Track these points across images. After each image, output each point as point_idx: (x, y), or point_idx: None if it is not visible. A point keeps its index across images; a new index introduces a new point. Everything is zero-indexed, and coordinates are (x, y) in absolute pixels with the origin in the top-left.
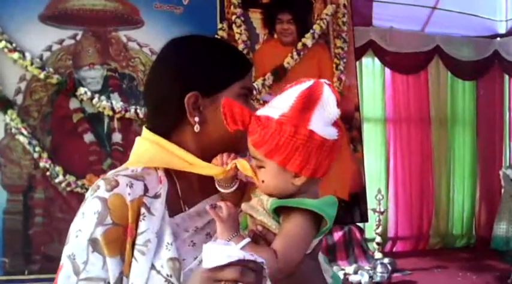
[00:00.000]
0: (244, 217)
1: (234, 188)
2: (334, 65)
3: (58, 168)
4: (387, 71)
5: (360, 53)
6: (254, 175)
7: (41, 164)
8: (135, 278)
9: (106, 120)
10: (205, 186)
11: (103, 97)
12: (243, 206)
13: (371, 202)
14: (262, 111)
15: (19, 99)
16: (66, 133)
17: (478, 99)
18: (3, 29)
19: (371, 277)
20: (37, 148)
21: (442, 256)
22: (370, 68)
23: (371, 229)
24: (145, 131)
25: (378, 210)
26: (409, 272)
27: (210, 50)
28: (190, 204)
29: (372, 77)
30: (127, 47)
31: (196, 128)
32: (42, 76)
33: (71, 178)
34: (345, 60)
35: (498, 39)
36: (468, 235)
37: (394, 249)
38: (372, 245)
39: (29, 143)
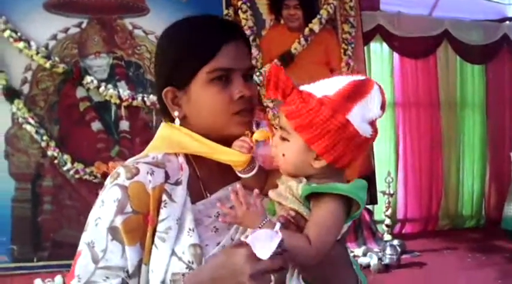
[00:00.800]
0: (270, 204)
1: (253, 172)
2: (342, 50)
3: (66, 156)
4: (395, 55)
5: (367, 38)
6: (274, 146)
7: (49, 152)
8: (155, 266)
9: (113, 108)
10: (225, 173)
11: (110, 86)
12: (271, 193)
13: (380, 185)
14: (305, 87)
15: (25, 88)
16: (73, 122)
17: (487, 83)
18: (8, 18)
19: (380, 259)
20: (44, 137)
21: (452, 237)
22: (379, 52)
23: (380, 211)
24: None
25: (387, 192)
26: (418, 254)
27: (176, 39)
28: (212, 190)
29: (380, 62)
30: (133, 35)
31: (176, 122)
32: (48, 65)
33: (79, 166)
34: (352, 45)
35: (507, 22)
36: (478, 216)
37: (403, 231)
38: (381, 227)
39: (37, 132)
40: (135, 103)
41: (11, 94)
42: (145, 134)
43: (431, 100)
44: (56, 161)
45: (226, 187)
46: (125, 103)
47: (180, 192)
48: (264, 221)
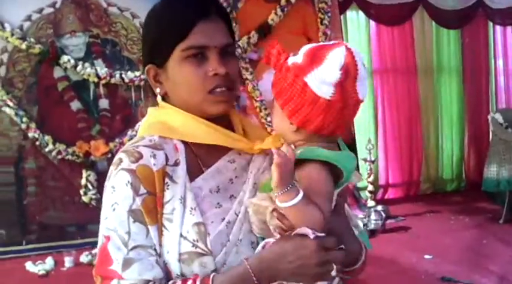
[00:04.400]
0: (268, 179)
1: None
2: (318, 20)
3: (47, 137)
4: (372, 23)
5: (344, 7)
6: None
7: (30, 134)
8: (169, 246)
9: (92, 87)
10: (220, 146)
11: (87, 64)
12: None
13: (361, 152)
14: (291, 57)
15: (2, 71)
16: (52, 102)
17: (463, 47)
18: None
19: (365, 225)
20: (24, 119)
21: (434, 200)
22: (355, 21)
23: (363, 178)
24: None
25: (368, 159)
26: (402, 218)
27: (154, 18)
28: (209, 164)
29: (357, 30)
30: (108, 12)
31: (158, 99)
32: (23, 46)
33: (61, 147)
34: (329, 14)
35: None
36: (458, 179)
37: (386, 196)
38: (364, 194)
39: (16, 114)
40: (113, 80)
41: None
42: (125, 111)
43: (409, 66)
44: (37, 143)
45: (223, 157)
46: (103, 81)
47: (180, 172)
48: (289, 186)
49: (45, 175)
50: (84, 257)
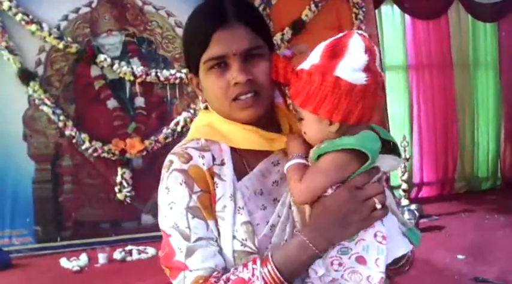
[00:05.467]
0: None
1: None
2: (353, 15)
3: (84, 135)
4: (407, 17)
5: (379, 1)
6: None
7: (67, 132)
8: (223, 243)
9: (127, 85)
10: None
11: (123, 63)
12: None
13: None
14: (300, 66)
15: (40, 70)
16: (89, 101)
17: (499, 41)
18: (18, 1)
19: None
20: (61, 117)
21: (469, 199)
22: (390, 15)
23: (396, 176)
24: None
25: (403, 156)
26: (436, 218)
27: (185, 28)
28: (253, 165)
29: (392, 25)
30: (143, 11)
31: (202, 106)
32: (61, 46)
33: (97, 144)
34: (363, 9)
35: None
36: (494, 177)
37: (420, 195)
38: (398, 192)
39: (53, 112)
40: (149, 79)
41: (26, 76)
42: (160, 109)
43: (444, 61)
44: (74, 140)
45: (266, 159)
46: (139, 80)
47: (227, 171)
48: (292, 155)
49: (81, 173)
50: (117, 254)
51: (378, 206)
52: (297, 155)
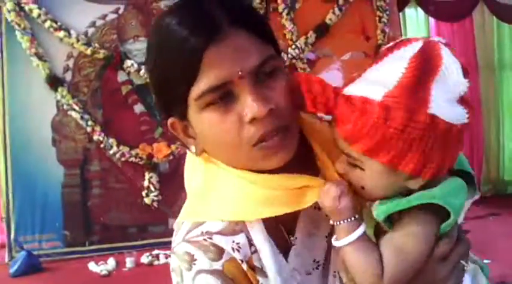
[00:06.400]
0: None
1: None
2: (377, 18)
3: (111, 140)
4: (431, 20)
5: (402, 4)
6: (343, 173)
7: (95, 137)
8: None
9: None
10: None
11: None
12: None
13: None
14: (353, 89)
15: (68, 76)
16: (116, 106)
17: None
18: (48, 9)
19: None
20: (89, 122)
21: (495, 203)
22: (414, 18)
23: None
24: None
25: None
26: (462, 221)
27: (153, 53)
28: (287, 226)
29: (417, 27)
30: None
31: (196, 154)
32: (88, 52)
33: (124, 149)
34: (387, 12)
35: None
36: None
37: None
38: None
39: (81, 118)
40: None
41: (55, 82)
42: None
43: (469, 63)
44: (102, 145)
45: (301, 220)
46: None
47: (268, 261)
48: (347, 219)
49: (109, 177)
50: (144, 258)
51: (467, 267)
52: (351, 219)
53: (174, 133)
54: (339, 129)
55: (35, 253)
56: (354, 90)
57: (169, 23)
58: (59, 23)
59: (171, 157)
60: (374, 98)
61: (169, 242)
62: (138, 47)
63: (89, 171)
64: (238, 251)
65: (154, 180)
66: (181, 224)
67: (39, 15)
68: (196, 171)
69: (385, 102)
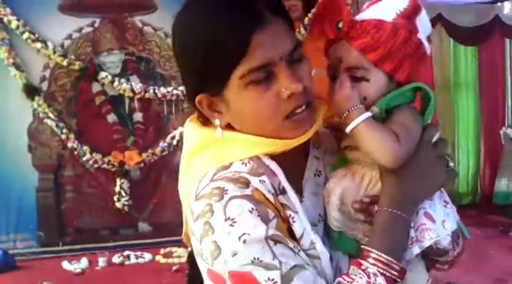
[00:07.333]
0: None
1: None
2: None
3: (85, 147)
4: None
5: None
6: (346, 89)
7: (69, 144)
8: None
9: (127, 101)
10: (298, 152)
11: (123, 80)
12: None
13: None
14: (366, 15)
15: (44, 85)
16: (90, 115)
17: (480, 64)
18: (26, 21)
19: None
20: (64, 130)
21: None
22: None
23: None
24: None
25: None
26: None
27: (194, 40)
28: (297, 186)
29: None
30: (142, 32)
31: (218, 132)
32: (65, 63)
33: (97, 156)
34: None
35: (498, 3)
36: (473, 192)
37: None
38: None
39: (57, 126)
40: (147, 95)
41: (32, 91)
42: (157, 124)
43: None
44: (75, 152)
45: (308, 174)
46: (137, 96)
47: (294, 201)
48: (354, 107)
49: (82, 183)
50: (116, 258)
51: (451, 163)
52: (361, 107)
53: (199, 108)
54: (355, 43)
55: (10, 252)
56: (366, 15)
57: (218, 8)
58: (36, 35)
59: (142, 164)
60: (386, 20)
61: (139, 244)
62: (112, 60)
63: (63, 176)
64: (263, 183)
65: (125, 186)
66: (203, 176)
67: (17, 27)
68: (210, 141)
69: (395, 23)
